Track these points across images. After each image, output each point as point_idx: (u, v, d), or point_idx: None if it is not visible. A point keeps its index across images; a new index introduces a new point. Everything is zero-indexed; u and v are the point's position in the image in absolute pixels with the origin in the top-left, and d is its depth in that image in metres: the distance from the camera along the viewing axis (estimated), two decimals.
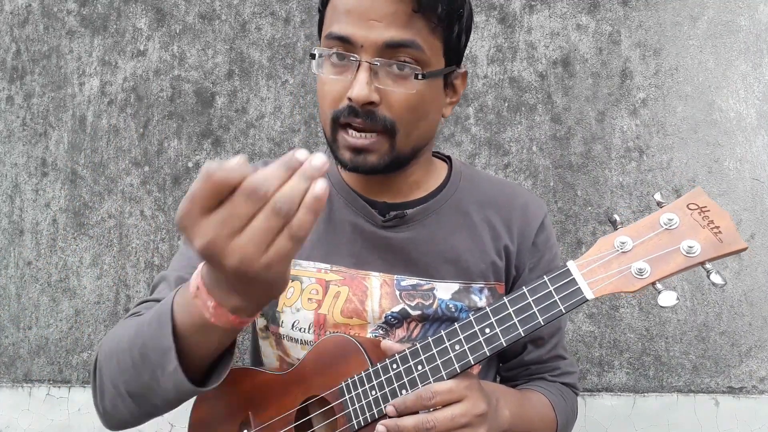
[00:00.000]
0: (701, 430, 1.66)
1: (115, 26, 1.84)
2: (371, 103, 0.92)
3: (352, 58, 0.92)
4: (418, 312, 1.04)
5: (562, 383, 1.14)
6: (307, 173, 0.57)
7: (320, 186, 0.57)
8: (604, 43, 1.74)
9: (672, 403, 1.68)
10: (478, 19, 1.75)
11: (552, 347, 1.14)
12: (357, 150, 0.95)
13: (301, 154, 0.58)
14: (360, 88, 0.90)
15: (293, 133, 1.79)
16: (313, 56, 0.96)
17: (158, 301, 0.99)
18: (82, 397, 1.80)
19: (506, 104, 1.75)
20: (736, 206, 1.69)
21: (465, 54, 1.15)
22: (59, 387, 1.82)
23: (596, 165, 1.73)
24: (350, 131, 0.95)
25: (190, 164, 1.80)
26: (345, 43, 0.92)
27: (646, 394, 1.69)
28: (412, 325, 1.04)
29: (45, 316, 1.83)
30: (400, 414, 0.83)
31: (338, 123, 0.95)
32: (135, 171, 1.82)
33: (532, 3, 1.76)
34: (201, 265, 0.68)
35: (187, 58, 1.81)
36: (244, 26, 1.80)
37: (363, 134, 0.94)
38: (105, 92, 1.83)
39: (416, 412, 0.83)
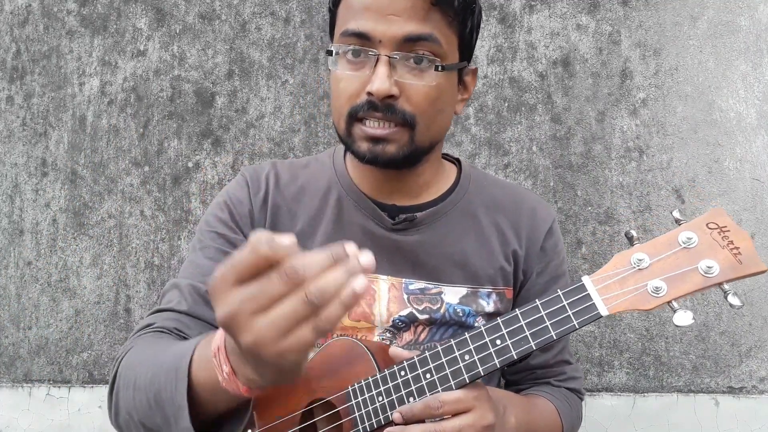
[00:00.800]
0: (701, 430, 1.67)
1: (115, 26, 1.83)
2: (391, 96, 0.92)
3: (370, 53, 0.93)
4: (426, 316, 1.03)
5: (567, 388, 1.14)
6: (351, 268, 0.56)
7: (360, 283, 0.55)
8: (604, 43, 1.74)
9: (672, 403, 1.68)
10: None
11: (558, 352, 1.14)
12: (375, 140, 0.95)
13: (350, 247, 0.57)
14: (381, 81, 0.91)
15: (293, 133, 1.78)
16: (330, 53, 0.96)
17: (171, 311, 0.99)
18: (82, 397, 1.80)
19: (506, 104, 1.75)
20: (736, 206, 1.69)
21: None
22: (59, 387, 1.81)
23: (596, 165, 1.73)
24: (368, 122, 0.95)
25: (190, 164, 1.80)
26: (362, 39, 0.93)
27: (646, 394, 1.69)
28: (420, 328, 1.04)
29: (45, 316, 1.83)
30: (407, 422, 0.82)
31: (355, 117, 0.95)
32: (135, 171, 1.81)
33: (532, 3, 1.76)
34: None
35: (187, 58, 1.81)
36: (244, 26, 1.80)
37: (382, 123, 0.94)
38: (105, 92, 1.82)
39: (423, 421, 0.82)
